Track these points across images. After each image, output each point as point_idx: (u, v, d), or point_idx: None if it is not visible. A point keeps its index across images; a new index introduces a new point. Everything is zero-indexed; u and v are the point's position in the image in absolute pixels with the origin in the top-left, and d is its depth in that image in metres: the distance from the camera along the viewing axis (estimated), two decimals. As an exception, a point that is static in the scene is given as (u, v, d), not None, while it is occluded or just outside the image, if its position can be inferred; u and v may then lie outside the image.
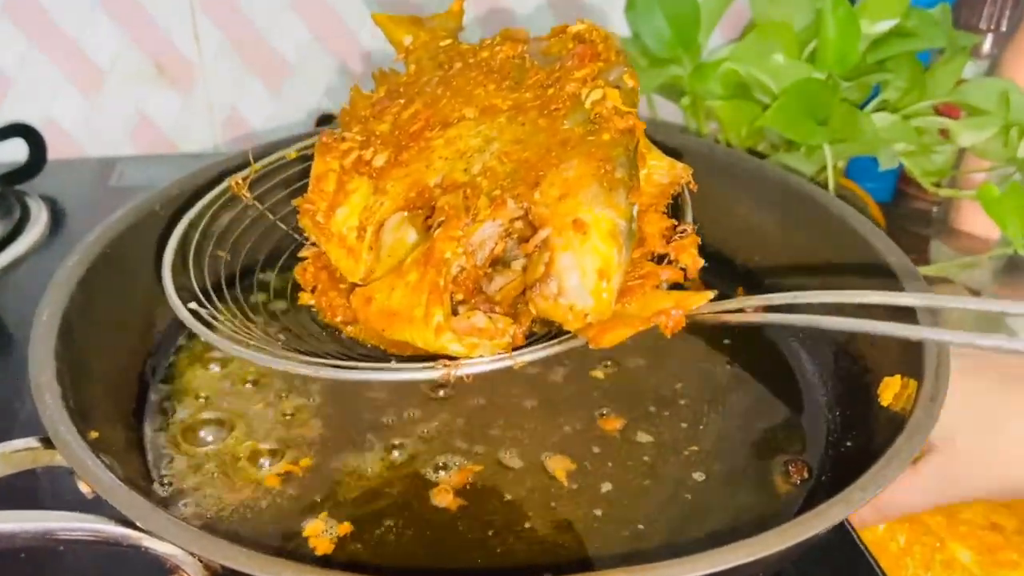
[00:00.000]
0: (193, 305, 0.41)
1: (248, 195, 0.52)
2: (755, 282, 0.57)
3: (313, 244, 0.47)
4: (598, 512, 0.42)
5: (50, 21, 0.78)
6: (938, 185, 0.70)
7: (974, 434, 0.43)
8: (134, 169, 0.81)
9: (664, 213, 0.43)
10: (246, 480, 0.44)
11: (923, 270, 0.64)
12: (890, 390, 0.42)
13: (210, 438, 0.46)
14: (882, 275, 0.47)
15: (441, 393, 0.48)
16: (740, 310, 0.36)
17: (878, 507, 0.45)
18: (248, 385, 0.50)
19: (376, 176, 0.44)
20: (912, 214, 0.78)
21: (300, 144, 0.56)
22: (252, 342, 0.40)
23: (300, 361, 0.37)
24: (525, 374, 0.49)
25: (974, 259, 0.69)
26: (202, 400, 0.49)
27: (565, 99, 0.41)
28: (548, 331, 0.40)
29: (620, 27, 0.78)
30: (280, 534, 0.41)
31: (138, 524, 0.33)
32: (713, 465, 0.45)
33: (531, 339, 0.40)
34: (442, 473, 0.44)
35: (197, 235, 0.48)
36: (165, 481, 0.43)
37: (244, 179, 0.52)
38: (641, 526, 0.41)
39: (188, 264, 0.45)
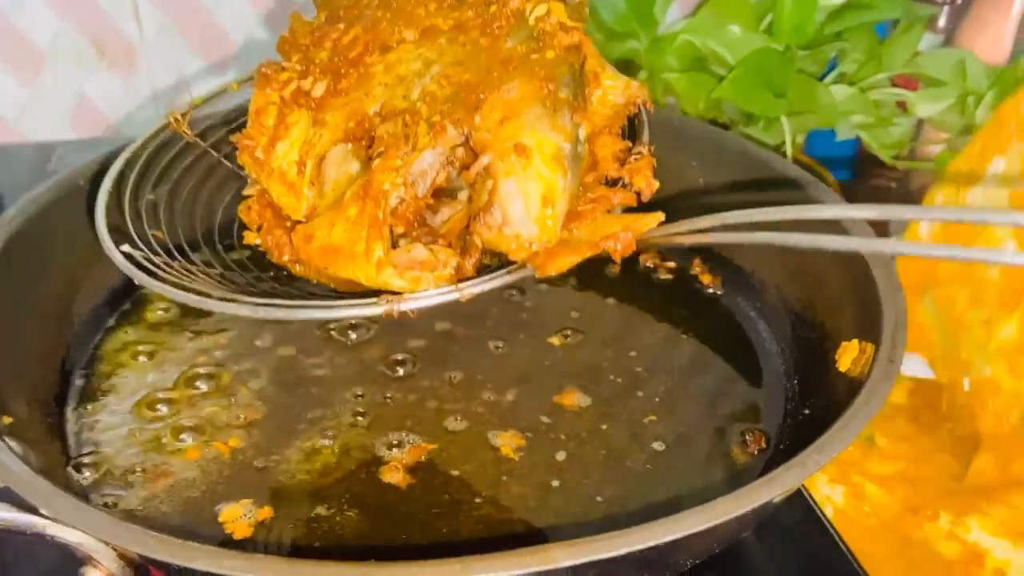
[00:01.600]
0: (127, 247, 0.39)
1: (188, 131, 0.50)
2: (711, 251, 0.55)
3: (257, 182, 0.45)
4: (555, 483, 0.40)
5: None
6: (897, 158, 0.68)
7: None
8: (74, 154, 0.77)
9: (619, 135, 0.42)
10: (171, 465, 0.41)
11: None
12: (848, 355, 0.42)
13: (135, 424, 0.43)
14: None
15: (400, 372, 0.46)
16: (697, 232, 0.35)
17: None
18: (178, 368, 0.47)
19: (316, 107, 0.42)
20: (872, 192, 0.76)
21: (243, 77, 0.53)
22: (190, 284, 0.38)
23: (240, 302, 0.36)
24: (483, 346, 0.48)
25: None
26: (127, 384, 0.46)
27: (508, 16, 0.38)
28: (500, 263, 0.39)
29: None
30: (202, 519, 0.38)
31: (42, 511, 0.30)
32: (671, 436, 0.43)
33: (482, 271, 0.38)
34: (395, 451, 0.42)
35: (134, 175, 0.46)
36: (86, 469, 0.40)
37: (183, 114, 0.50)
38: (599, 498, 0.40)
39: (123, 206, 0.43)
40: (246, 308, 0.36)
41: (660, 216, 0.34)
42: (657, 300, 0.52)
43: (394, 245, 0.35)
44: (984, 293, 0.48)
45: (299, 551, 0.37)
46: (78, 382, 0.46)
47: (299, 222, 0.41)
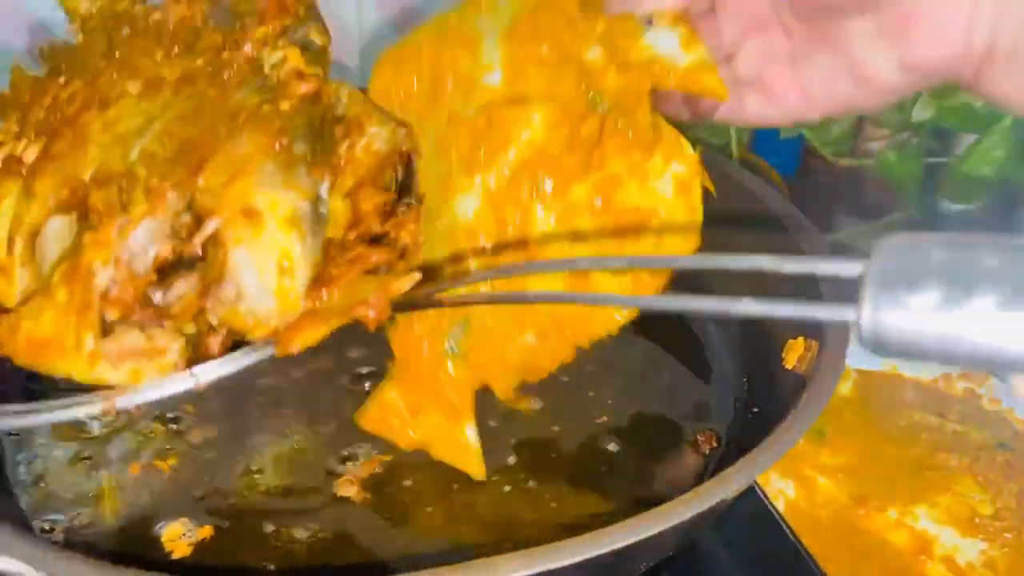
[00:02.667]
0: None
1: None
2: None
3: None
4: (506, 488, 0.41)
5: None
6: (839, 155, 0.70)
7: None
8: None
9: (384, 187, 0.38)
10: (111, 486, 0.41)
11: (832, 237, 0.65)
12: (794, 352, 0.42)
13: (73, 446, 0.43)
14: (777, 230, 0.47)
15: (367, 387, 0.46)
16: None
17: None
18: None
19: (27, 174, 0.36)
20: (817, 187, 0.78)
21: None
22: None
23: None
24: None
25: (875, 223, 0.69)
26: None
27: (242, 64, 0.34)
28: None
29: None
30: (144, 539, 0.39)
31: None
32: (624, 436, 0.44)
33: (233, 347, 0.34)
34: (349, 464, 0.42)
35: None
36: (23, 494, 0.40)
37: None
38: (553, 504, 0.40)
39: None
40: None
41: (415, 276, 0.31)
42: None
43: (108, 332, 0.30)
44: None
45: (246, 571, 0.37)
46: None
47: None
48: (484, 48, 0.37)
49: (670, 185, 0.36)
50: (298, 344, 0.29)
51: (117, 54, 0.38)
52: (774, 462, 0.33)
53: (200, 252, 0.31)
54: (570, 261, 0.32)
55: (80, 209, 0.34)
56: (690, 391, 0.48)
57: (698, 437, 0.44)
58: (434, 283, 0.32)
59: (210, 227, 0.30)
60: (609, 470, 0.42)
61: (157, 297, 0.32)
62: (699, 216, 0.36)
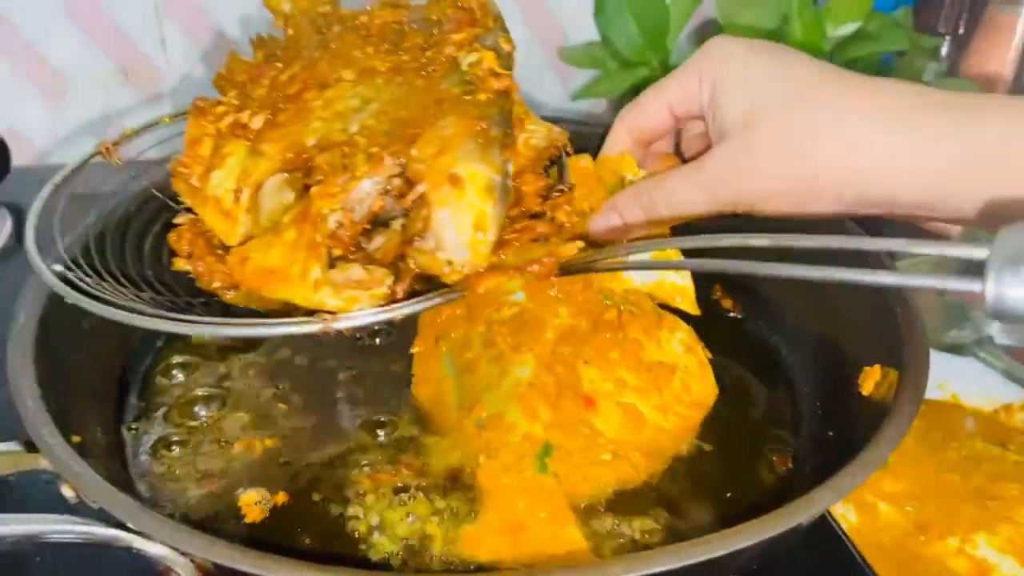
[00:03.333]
0: (59, 267, 0.39)
1: (119, 159, 0.50)
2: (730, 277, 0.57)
3: (188, 211, 0.46)
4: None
5: (12, 28, 0.74)
6: None
7: (778, 120, 0.37)
8: (101, 175, 0.77)
9: (541, 174, 0.45)
10: (214, 470, 0.45)
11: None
12: (871, 380, 0.43)
13: (178, 438, 0.48)
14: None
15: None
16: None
17: (649, 205, 0.41)
18: (211, 388, 0.51)
19: (253, 139, 0.43)
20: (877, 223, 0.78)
21: (176, 112, 0.54)
22: (122, 303, 0.38)
23: (176, 320, 0.36)
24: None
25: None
26: (172, 401, 0.50)
27: (442, 61, 0.41)
28: (428, 289, 0.41)
29: (590, 32, 0.79)
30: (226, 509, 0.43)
31: (129, 525, 0.32)
32: (699, 455, 0.45)
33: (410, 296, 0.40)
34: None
35: (65, 201, 0.46)
36: (140, 482, 0.44)
37: (115, 144, 0.50)
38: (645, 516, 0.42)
39: (55, 230, 0.43)
40: (176, 325, 0.37)
41: (579, 244, 0.37)
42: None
43: (330, 267, 0.37)
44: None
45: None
46: (132, 400, 0.50)
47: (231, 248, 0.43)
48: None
49: (680, 346, 0.46)
50: (483, 288, 0.36)
51: (332, 46, 0.46)
52: (856, 487, 0.34)
53: (405, 208, 0.38)
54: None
55: (301, 168, 0.41)
56: (766, 412, 0.49)
57: (773, 458, 0.45)
58: (594, 251, 0.38)
59: (420, 188, 0.36)
60: (689, 485, 0.44)
61: (363, 243, 0.39)
62: (708, 367, 0.47)
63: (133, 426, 0.48)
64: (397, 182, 0.38)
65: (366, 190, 0.37)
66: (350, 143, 0.39)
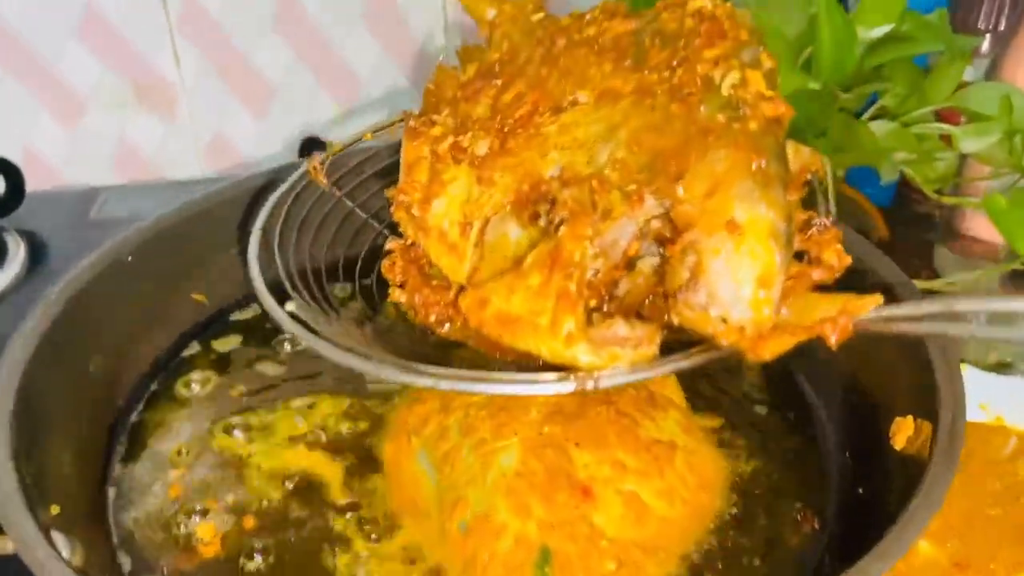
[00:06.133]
0: (291, 307, 0.38)
1: (325, 180, 0.48)
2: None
3: (397, 235, 0.44)
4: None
5: (25, 50, 0.74)
6: (940, 192, 0.66)
7: None
8: (116, 199, 0.78)
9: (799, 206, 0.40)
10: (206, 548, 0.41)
11: (931, 284, 0.61)
12: (903, 432, 0.40)
13: (162, 495, 0.43)
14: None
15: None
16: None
17: None
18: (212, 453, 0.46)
19: (479, 165, 0.40)
20: (915, 218, 0.74)
21: (375, 126, 0.52)
22: (359, 348, 0.36)
23: (425, 374, 0.34)
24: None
25: (981, 272, 0.65)
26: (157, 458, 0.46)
27: (696, 82, 0.37)
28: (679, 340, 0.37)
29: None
30: None
31: None
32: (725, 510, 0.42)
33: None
34: None
35: (280, 227, 0.44)
36: (122, 554, 0.40)
37: (321, 163, 0.48)
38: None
39: (278, 261, 0.42)
40: (424, 379, 0.34)
41: (878, 299, 0.32)
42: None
43: (588, 320, 0.33)
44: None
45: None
46: (117, 461, 0.45)
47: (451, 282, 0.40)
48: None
49: (676, 424, 0.43)
50: (769, 352, 0.31)
51: (560, 62, 0.42)
52: (888, 569, 0.31)
53: (668, 255, 0.34)
54: None
55: (536, 203, 0.38)
56: (791, 462, 0.45)
57: (798, 516, 0.42)
58: (892, 306, 0.32)
59: (691, 235, 0.32)
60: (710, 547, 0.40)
61: (613, 290, 0.35)
62: (712, 444, 0.44)
63: (120, 490, 0.44)
64: (656, 224, 0.34)
65: (622, 232, 0.33)
66: (599, 177, 0.35)
